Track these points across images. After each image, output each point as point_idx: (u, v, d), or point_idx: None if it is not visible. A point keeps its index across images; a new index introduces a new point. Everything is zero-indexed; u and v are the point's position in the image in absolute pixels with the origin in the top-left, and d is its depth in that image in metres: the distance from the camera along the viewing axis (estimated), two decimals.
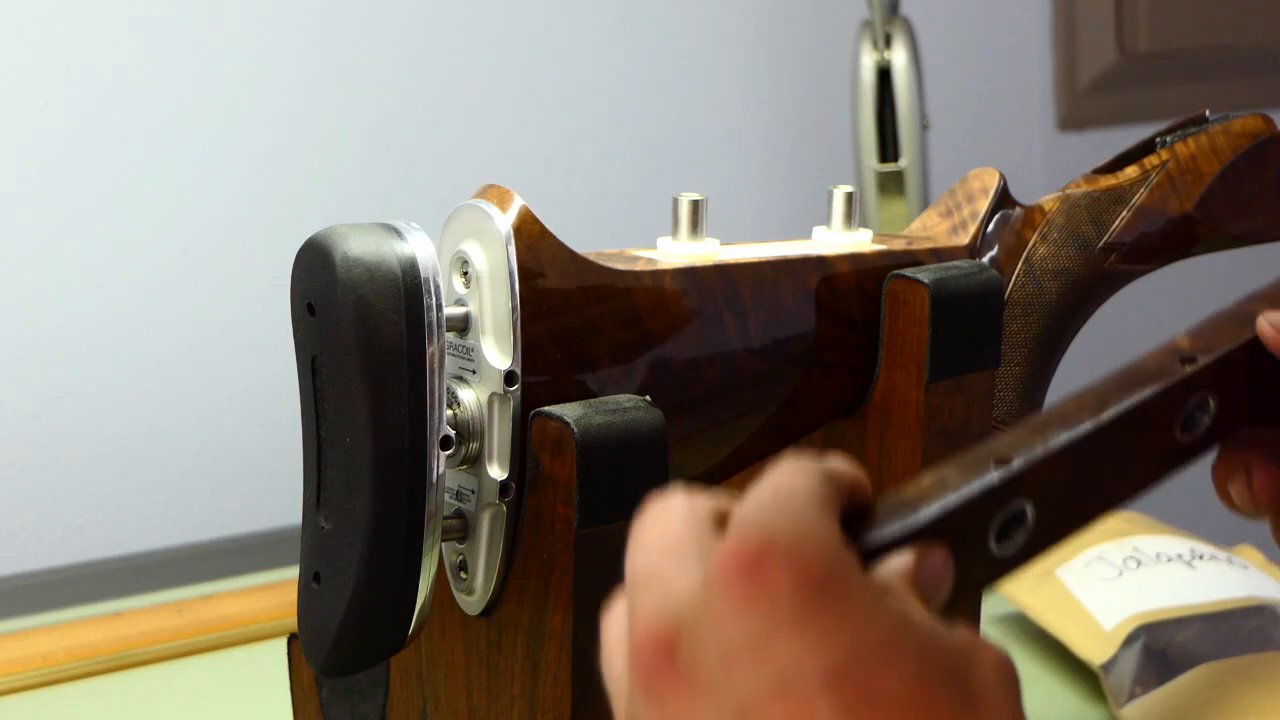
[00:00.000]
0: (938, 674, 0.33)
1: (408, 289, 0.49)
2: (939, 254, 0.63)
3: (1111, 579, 0.85)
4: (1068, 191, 0.65)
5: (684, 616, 0.34)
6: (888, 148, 1.11)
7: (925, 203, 1.08)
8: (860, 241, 0.62)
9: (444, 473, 0.50)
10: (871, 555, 0.36)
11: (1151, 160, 0.65)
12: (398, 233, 0.50)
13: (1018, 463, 0.38)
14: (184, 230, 1.11)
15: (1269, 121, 0.66)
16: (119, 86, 1.08)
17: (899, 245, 0.63)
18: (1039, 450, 0.39)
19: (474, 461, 0.53)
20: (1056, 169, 1.41)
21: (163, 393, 1.11)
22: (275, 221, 1.12)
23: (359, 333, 0.48)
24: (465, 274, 0.53)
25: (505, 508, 0.52)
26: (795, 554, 0.33)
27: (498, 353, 0.52)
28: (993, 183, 0.65)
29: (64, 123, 1.07)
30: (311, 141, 1.14)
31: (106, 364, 1.09)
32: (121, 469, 1.10)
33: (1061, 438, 0.39)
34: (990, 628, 0.93)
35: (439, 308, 0.49)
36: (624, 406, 0.51)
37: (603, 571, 0.51)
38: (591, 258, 0.55)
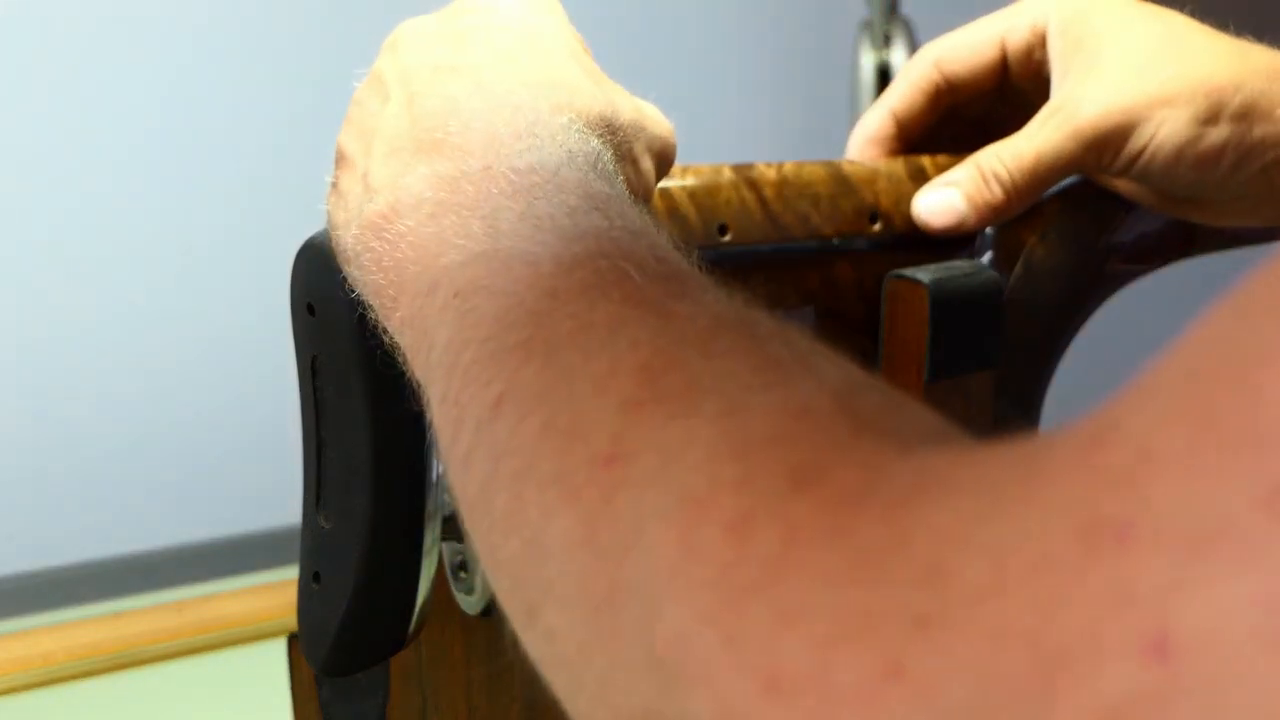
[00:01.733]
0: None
1: None
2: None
3: None
4: (1068, 192, 0.65)
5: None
6: None
7: None
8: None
9: (444, 472, 0.50)
10: None
11: None
12: None
13: None
14: (184, 231, 1.11)
15: None
16: (120, 87, 1.08)
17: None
18: None
19: None
20: None
21: (163, 393, 1.11)
22: (275, 222, 1.12)
23: (359, 333, 0.48)
24: None
25: None
26: None
27: None
28: None
29: (63, 124, 1.07)
30: (312, 141, 1.14)
31: (107, 365, 1.09)
32: (121, 469, 1.10)
33: None
34: None
35: None
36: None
37: None
38: None
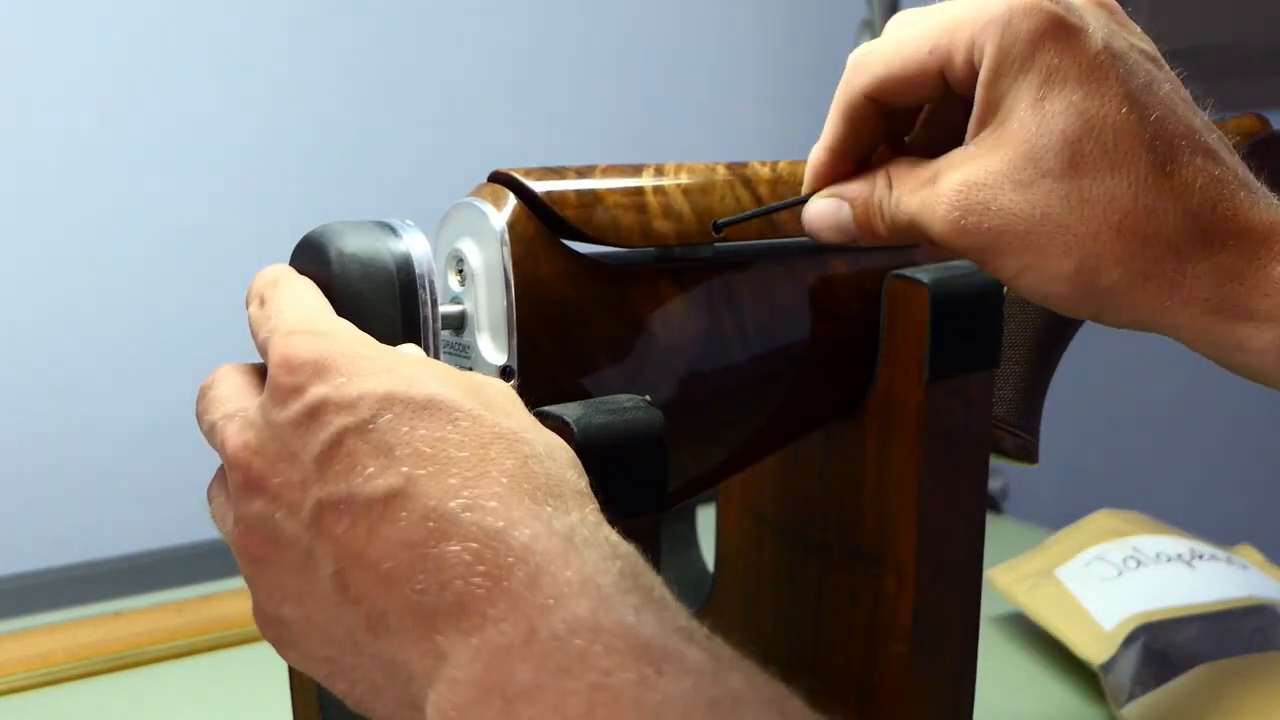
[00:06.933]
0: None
1: (403, 286, 0.48)
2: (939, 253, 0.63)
3: (1111, 579, 0.85)
4: None
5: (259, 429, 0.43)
6: None
7: None
8: None
9: None
10: None
11: None
12: (393, 230, 0.50)
13: None
14: (182, 229, 1.11)
15: (1264, 121, 0.66)
16: (117, 88, 1.08)
17: None
18: None
19: None
20: None
21: (162, 393, 1.11)
22: (273, 219, 1.12)
23: None
24: (461, 271, 0.53)
25: None
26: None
27: (494, 349, 0.52)
28: None
29: (62, 123, 1.07)
30: (308, 140, 1.14)
31: (106, 364, 1.09)
32: (121, 469, 1.10)
33: None
34: (990, 628, 0.92)
35: (434, 305, 0.49)
36: (623, 406, 0.51)
37: None
38: None
